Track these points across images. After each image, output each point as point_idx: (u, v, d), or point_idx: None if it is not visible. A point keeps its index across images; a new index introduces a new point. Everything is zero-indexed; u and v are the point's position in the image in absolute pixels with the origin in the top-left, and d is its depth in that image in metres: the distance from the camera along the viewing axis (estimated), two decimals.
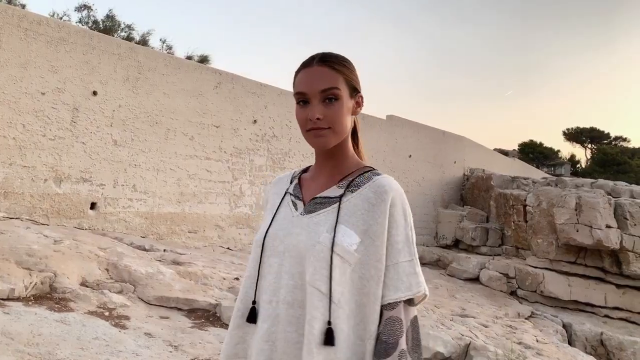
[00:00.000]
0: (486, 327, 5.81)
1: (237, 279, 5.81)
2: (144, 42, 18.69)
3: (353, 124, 1.25)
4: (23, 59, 6.25)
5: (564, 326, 8.07)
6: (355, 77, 1.21)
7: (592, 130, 40.40)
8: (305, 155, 10.03)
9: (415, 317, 1.09)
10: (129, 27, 19.42)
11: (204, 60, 19.50)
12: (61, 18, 17.25)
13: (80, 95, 6.78)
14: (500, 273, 9.82)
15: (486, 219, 12.83)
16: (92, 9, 18.49)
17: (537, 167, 30.69)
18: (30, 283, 4.24)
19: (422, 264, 11.48)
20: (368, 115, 11.65)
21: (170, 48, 19.91)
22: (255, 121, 9.03)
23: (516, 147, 39.57)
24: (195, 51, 21.15)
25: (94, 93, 6.91)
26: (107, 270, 5.13)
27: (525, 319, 7.67)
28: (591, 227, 8.49)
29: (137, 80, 7.39)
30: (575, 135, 41.19)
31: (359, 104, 1.22)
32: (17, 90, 6.20)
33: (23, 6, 16.52)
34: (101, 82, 6.99)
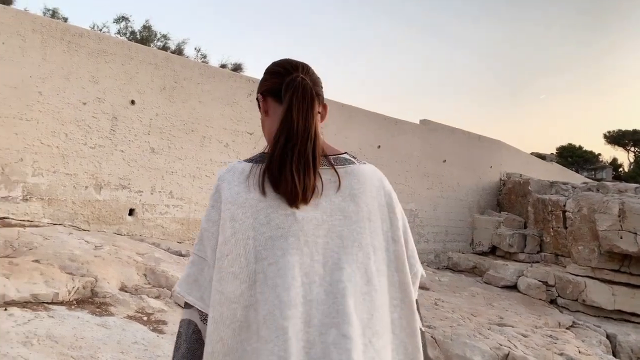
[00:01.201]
0: (525, 336, 5.65)
1: None
2: (179, 51, 19.13)
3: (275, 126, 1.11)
4: (66, 71, 6.48)
5: (607, 337, 7.77)
6: (258, 90, 1.22)
7: (635, 132, 38.99)
8: None
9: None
10: (164, 37, 19.97)
11: (237, 68, 19.82)
12: (101, 30, 17.83)
13: (119, 105, 6.98)
14: (539, 281, 9.54)
15: (524, 225, 12.51)
16: (129, 20, 19.09)
17: (577, 171, 29.81)
18: (73, 287, 4.37)
19: (458, 271, 11.33)
20: (401, 120, 11.56)
21: (204, 57, 20.34)
22: None
23: (554, 151, 38.61)
24: (229, 59, 21.52)
25: (132, 102, 7.10)
26: (145, 275, 5.23)
27: (567, 328, 7.42)
28: (636, 234, 8.16)
29: (174, 89, 7.55)
30: (617, 138, 39.86)
31: (259, 105, 1.22)
32: (61, 101, 6.43)
33: (65, 19, 17.17)
34: (139, 92, 7.17)
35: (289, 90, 1.07)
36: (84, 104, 6.64)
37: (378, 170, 1.13)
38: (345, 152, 1.14)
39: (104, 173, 6.80)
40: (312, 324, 0.90)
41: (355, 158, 1.13)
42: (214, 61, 21.15)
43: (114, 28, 18.76)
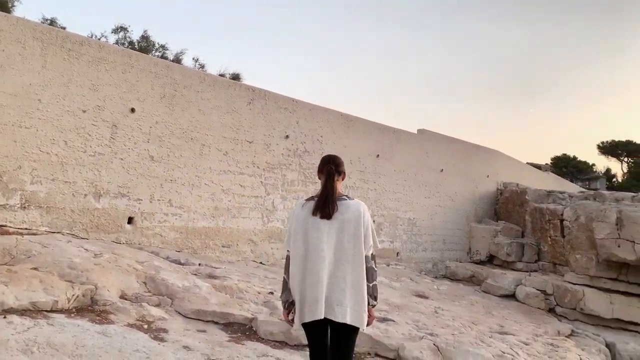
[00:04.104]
0: (527, 344, 5.63)
1: (271, 293, 5.80)
2: (177, 61, 19.15)
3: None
4: (66, 78, 6.47)
5: (607, 345, 7.75)
6: (318, 170, 2.83)
7: (629, 143, 39.39)
8: None
9: None
10: (162, 47, 20.01)
11: (235, 77, 19.86)
12: (99, 39, 17.83)
13: (119, 113, 6.97)
14: (538, 290, 9.52)
15: (521, 234, 12.54)
16: (128, 31, 19.12)
17: (571, 181, 29.89)
18: (73, 295, 4.33)
19: (456, 280, 11.32)
20: (399, 130, 11.61)
21: (202, 67, 20.37)
22: (287, 136, 9.09)
23: (549, 161, 38.85)
24: (227, 69, 21.56)
25: (132, 110, 7.09)
26: (145, 283, 5.20)
27: (566, 337, 7.40)
28: (634, 242, 8.17)
29: (173, 97, 7.56)
30: (610, 149, 40.26)
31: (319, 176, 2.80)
32: (60, 109, 6.42)
33: (63, 28, 17.18)
34: (139, 100, 7.17)
35: (324, 173, 2.69)
36: (84, 111, 6.63)
37: (359, 201, 2.65)
38: (345, 195, 2.66)
39: (103, 181, 6.77)
40: (326, 260, 2.52)
41: (348, 197, 2.65)
42: (212, 71, 21.15)
43: (112, 38, 18.78)
